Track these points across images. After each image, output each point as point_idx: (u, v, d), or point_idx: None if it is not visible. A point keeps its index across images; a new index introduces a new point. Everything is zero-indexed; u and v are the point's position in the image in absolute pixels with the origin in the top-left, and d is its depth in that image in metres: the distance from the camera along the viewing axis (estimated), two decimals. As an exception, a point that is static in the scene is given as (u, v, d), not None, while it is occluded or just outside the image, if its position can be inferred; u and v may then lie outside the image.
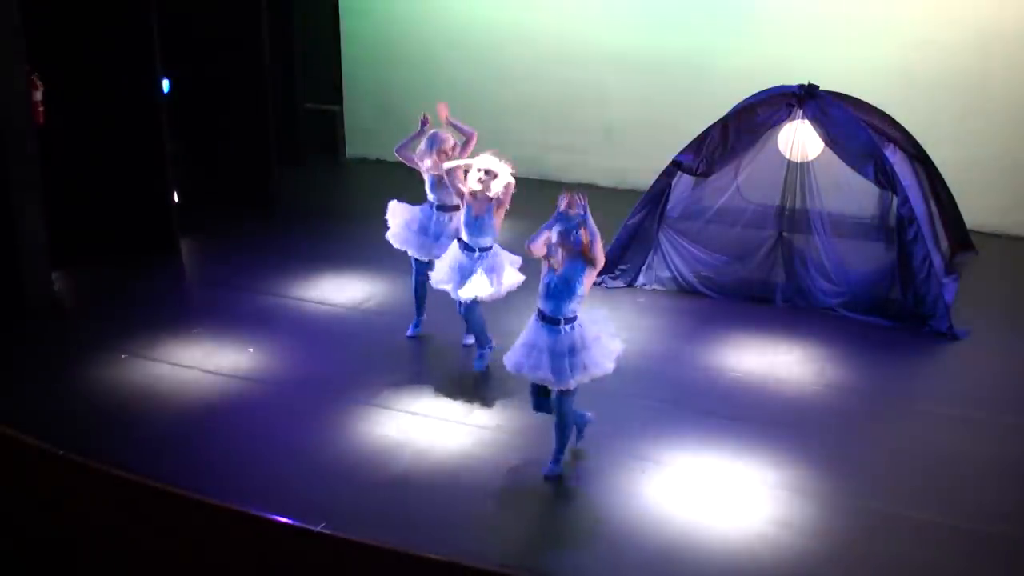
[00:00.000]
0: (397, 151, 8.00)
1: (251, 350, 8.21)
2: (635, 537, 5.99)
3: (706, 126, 9.10)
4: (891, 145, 9.20)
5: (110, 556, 5.59)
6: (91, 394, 7.47)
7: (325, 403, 7.45)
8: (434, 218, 7.94)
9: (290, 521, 5.44)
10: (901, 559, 5.87)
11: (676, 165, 9.19)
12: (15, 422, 6.35)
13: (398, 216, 8.10)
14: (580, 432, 6.76)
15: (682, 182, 9.26)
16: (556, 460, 6.51)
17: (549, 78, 12.36)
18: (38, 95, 9.49)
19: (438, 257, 7.75)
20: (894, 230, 8.67)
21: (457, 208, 7.78)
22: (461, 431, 7.07)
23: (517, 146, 12.63)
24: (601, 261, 6.22)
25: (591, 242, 6.12)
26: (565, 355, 6.18)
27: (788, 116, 8.88)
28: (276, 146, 11.74)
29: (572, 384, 6.21)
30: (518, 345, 6.39)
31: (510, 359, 6.38)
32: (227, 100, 11.32)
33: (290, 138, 12.87)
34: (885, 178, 8.62)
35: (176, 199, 10.31)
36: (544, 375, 6.20)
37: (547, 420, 6.63)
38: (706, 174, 9.16)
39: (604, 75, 12.13)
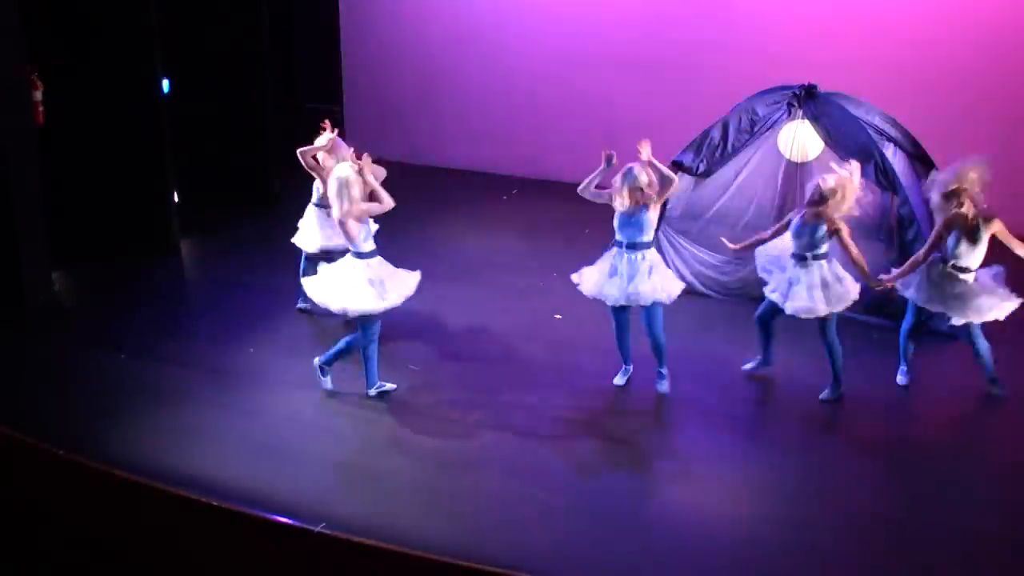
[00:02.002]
0: (581, 191, 7.49)
1: (251, 350, 8.21)
2: (632, 535, 6.00)
3: (706, 126, 9.10)
4: (891, 145, 9.19)
5: (110, 556, 5.60)
6: (91, 394, 7.47)
7: (325, 402, 7.45)
8: (624, 258, 7.37)
9: (290, 521, 5.45)
10: (900, 559, 5.88)
11: (676, 165, 9.18)
12: (15, 422, 6.36)
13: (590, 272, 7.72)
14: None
15: (682, 182, 9.26)
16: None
17: (549, 77, 12.35)
18: (38, 95, 9.50)
19: (637, 302, 7.37)
20: (894, 230, 8.67)
21: (648, 245, 7.35)
22: (460, 431, 7.07)
23: (517, 145, 12.69)
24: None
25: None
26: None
27: (788, 116, 8.88)
28: (276, 146, 11.74)
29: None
30: None
31: None
32: (227, 100, 11.32)
33: (290, 138, 12.85)
34: (885, 178, 8.62)
35: (176, 199, 10.31)
36: None
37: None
38: (706, 174, 9.16)
39: (605, 74, 12.13)
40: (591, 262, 9.53)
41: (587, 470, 6.65)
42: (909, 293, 7.50)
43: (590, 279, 7.59)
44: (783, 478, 6.59)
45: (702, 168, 9.12)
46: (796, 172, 8.99)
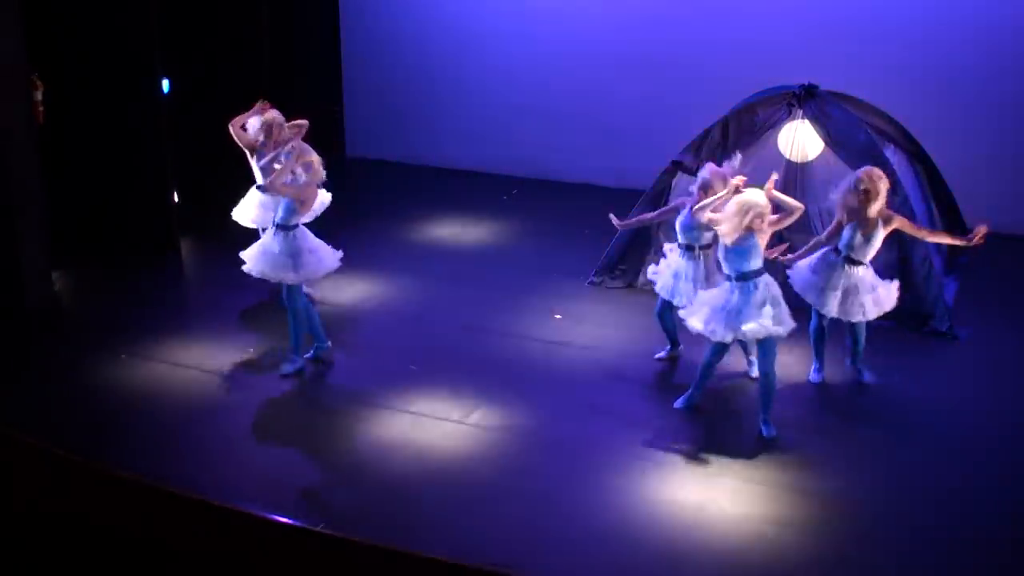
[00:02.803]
0: (695, 213, 7.20)
1: (251, 350, 8.21)
2: (632, 535, 6.00)
3: (706, 126, 9.10)
4: (891, 145, 9.19)
5: (110, 556, 5.60)
6: (91, 394, 7.48)
7: (324, 402, 7.45)
8: (737, 291, 6.82)
9: (290, 521, 5.45)
10: (899, 560, 5.87)
11: (676, 165, 9.18)
12: (15, 422, 6.37)
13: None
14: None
15: (682, 182, 9.25)
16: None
17: (549, 77, 12.36)
18: (38, 95, 9.50)
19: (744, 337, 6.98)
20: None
21: (760, 272, 6.83)
22: (460, 431, 7.07)
23: (518, 145, 12.69)
24: None
25: None
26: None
27: (788, 116, 8.88)
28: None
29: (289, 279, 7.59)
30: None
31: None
32: (227, 100, 11.30)
33: (290, 138, 12.84)
34: (885, 178, 8.62)
35: (176, 199, 10.31)
36: None
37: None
38: (707, 174, 9.15)
39: (605, 74, 12.14)
40: (591, 262, 9.59)
41: (587, 470, 6.64)
42: (796, 286, 7.54)
43: (699, 310, 6.97)
44: (782, 478, 6.59)
45: (702, 168, 9.11)
46: (796, 172, 9.00)
